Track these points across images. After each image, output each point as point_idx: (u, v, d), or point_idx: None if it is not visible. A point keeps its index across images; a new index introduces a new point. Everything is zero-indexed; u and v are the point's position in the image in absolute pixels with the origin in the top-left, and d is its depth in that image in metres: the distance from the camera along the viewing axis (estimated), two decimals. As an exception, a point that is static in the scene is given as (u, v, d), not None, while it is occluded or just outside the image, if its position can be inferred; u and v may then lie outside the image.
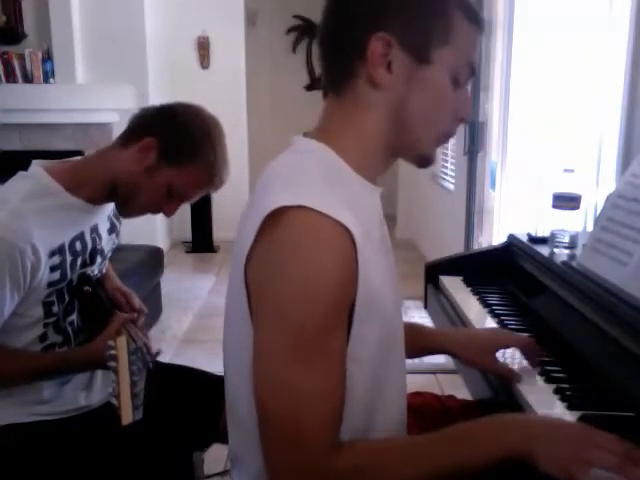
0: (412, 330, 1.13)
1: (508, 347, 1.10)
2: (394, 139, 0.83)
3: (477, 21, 0.81)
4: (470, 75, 0.83)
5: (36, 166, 1.25)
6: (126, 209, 1.31)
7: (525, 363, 1.09)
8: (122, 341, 1.13)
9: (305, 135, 0.86)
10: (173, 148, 1.24)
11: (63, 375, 1.27)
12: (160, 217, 4.70)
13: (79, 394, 1.31)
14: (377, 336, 0.79)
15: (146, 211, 1.30)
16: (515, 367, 1.08)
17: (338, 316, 0.73)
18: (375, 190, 0.86)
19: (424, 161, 0.87)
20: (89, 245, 1.31)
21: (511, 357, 1.12)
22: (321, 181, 0.76)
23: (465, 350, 1.08)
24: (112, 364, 1.10)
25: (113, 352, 1.11)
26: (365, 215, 0.79)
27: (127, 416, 1.06)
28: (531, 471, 0.72)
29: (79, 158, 1.31)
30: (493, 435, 0.75)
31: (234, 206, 4.74)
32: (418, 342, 1.11)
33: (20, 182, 1.23)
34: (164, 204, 1.29)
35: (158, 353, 1.27)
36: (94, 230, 1.33)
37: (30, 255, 1.14)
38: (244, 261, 0.75)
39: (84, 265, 1.31)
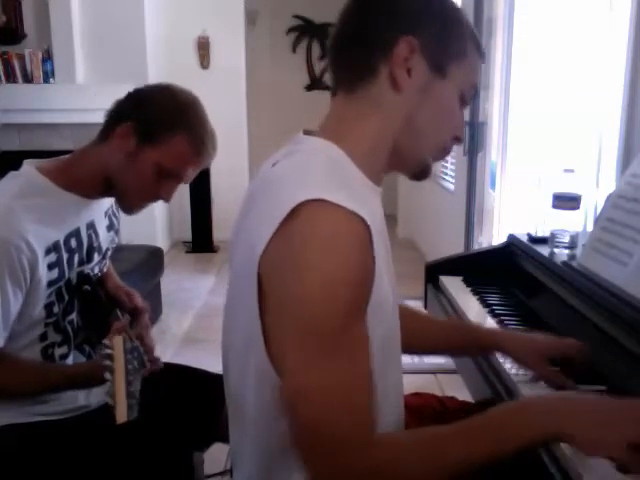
0: (461, 328, 1.17)
1: (561, 356, 1.07)
2: (401, 145, 0.85)
3: (481, 52, 0.88)
4: (473, 96, 0.90)
5: (27, 165, 1.25)
6: (125, 202, 1.30)
7: None
8: (118, 340, 1.12)
9: (306, 133, 0.86)
10: (148, 126, 1.22)
11: (74, 389, 1.27)
12: (160, 217, 4.75)
13: (78, 394, 1.31)
14: (381, 335, 0.79)
15: (143, 199, 1.29)
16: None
17: (360, 311, 0.72)
18: (377, 191, 0.87)
19: (422, 173, 0.90)
20: (85, 242, 1.31)
21: None
22: (333, 178, 0.76)
23: (521, 352, 1.07)
24: (107, 363, 1.09)
25: (109, 351, 1.10)
26: (373, 213, 0.79)
27: (122, 415, 1.04)
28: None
29: (68, 155, 1.31)
30: (525, 420, 0.75)
31: (234, 206, 4.70)
32: (469, 340, 1.12)
33: (11, 181, 1.23)
34: (158, 188, 1.27)
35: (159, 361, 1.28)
36: (90, 227, 1.33)
37: (26, 251, 1.13)
38: (257, 259, 0.74)
39: (81, 263, 1.30)
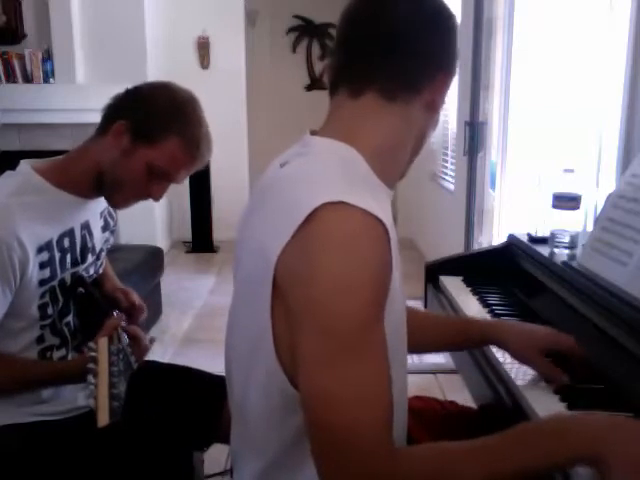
0: (457, 322, 1.18)
1: (559, 350, 1.06)
2: (412, 155, 0.90)
3: None
4: None
5: (24, 164, 1.25)
6: (115, 199, 1.29)
7: None
8: (103, 342, 1.11)
9: (313, 133, 0.86)
10: (143, 126, 1.22)
11: (57, 385, 1.27)
12: (160, 217, 4.75)
13: (78, 394, 1.31)
14: (389, 335, 0.79)
15: (133, 197, 1.29)
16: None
17: (380, 312, 0.72)
18: (389, 194, 0.87)
19: (402, 178, 0.95)
20: (78, 242, 1.30)
21: None
22: (348, 180, 0.76)
23: (518, 344, 1.06)
24: (91, 366, 1.08)
25: (93, 354, 1.09)
26: (387, 214, 0.79)
27: (103, 418, 1.02)
28: None
29: (64, 155, 1.31)
30: (559, 439, 0.71)
31: (234, 206, 4.76)
32: (466, 333, 1.12)
33: (7, 180, 1.23)
34: (149, 187, 1.26)
35: (152, 340, 1.27)
36: (85, 227, 1.32)
37: (17, 250, 1.13)
38: (273, 263, 0.73)
39: (75, 263, 1.30)
